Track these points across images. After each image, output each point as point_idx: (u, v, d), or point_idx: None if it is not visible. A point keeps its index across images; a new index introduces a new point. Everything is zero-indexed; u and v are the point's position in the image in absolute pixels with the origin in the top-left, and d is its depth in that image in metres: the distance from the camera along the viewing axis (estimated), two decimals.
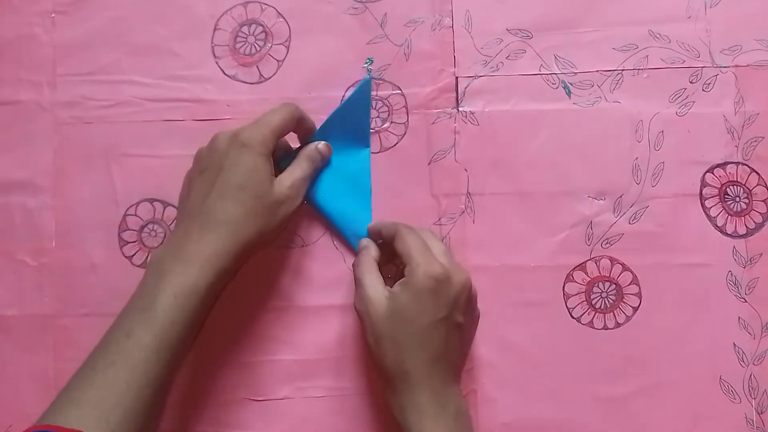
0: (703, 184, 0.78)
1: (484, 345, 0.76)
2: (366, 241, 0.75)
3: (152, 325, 0.64)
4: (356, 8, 0.80)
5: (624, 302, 0.77)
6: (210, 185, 0.68)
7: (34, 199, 0.78)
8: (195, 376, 0.73)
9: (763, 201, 0.77)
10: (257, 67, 0.80)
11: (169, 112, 0.79)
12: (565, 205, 0.78)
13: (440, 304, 0.67)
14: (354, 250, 0.77)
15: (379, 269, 0.72)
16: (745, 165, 0.78)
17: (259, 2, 0.80)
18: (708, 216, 0.77)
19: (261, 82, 0.80)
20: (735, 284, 0.76)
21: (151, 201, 0.78)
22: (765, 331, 0.76)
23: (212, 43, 0.80)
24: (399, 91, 0.79)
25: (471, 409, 0.75)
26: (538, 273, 0.77)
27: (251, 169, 0.68)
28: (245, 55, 0.80)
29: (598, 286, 0.77)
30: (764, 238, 0.77)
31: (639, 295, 0.77)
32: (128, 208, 0.78)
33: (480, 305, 0.74)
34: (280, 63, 0.80)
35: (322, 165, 0.76)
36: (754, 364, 0.76)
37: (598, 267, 0.77)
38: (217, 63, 0.80)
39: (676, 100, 0.78)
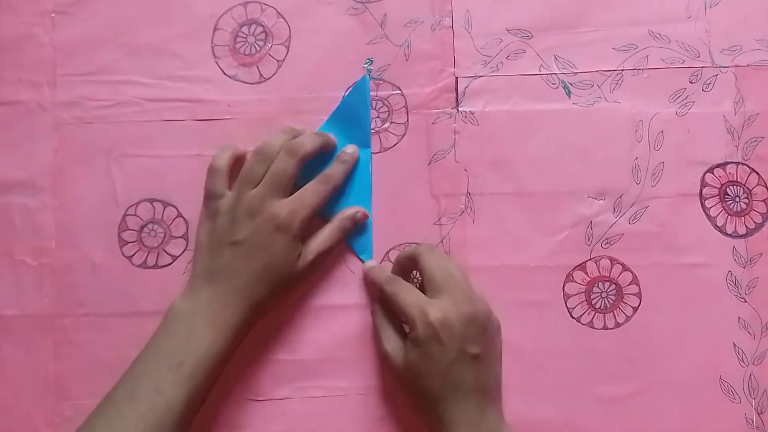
0: (703, 184, 0.78)
1: None
2: (374, 306, 0.76)
3: (183, 386, 0.68)
4: (356, 8, 0.80)
5: (624, 302, 0.77)
6: (241, 261, 0.72)
7: (34, 199, 0.78)
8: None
9: (763, 201, 0.77)
10: (257, 67, 0.80)
11: (169, 112, 0.79)
12: (565, 205, 0.78)
13: (448, 348, 0.67)
14: (353, 251, 0.77)
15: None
16: (745, 165, 0.78)
17: (259, 2, 0.80)
18: (708, 216, 0.77)
19: (261, 82, 0.80)
20: (735, 284, 0.76)
21: (151, 201, 0.78)
22: (765, 331, 0.76)
23: (212, 43, 0.80)
24: (399, 92, 0.79)
25: None
26: (538, 273, 0.77)
27: (283, 253, 0.72)
28: (245, 55, 0.80)
29: (598, 286, 0.77)
30: (764, 238, 0.77)
31: (639, 295, 0.77)
32: (128, 208, 0.78)
33: None
34: (280, 63, 0.80)
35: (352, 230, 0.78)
36: (754, 364, 0.76)
37: (598, 267, 0.77)
38: (217, 63, 0.80)
39: (676, 100, 0.78)
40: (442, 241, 0.77)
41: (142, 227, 0.78)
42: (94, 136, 0.79)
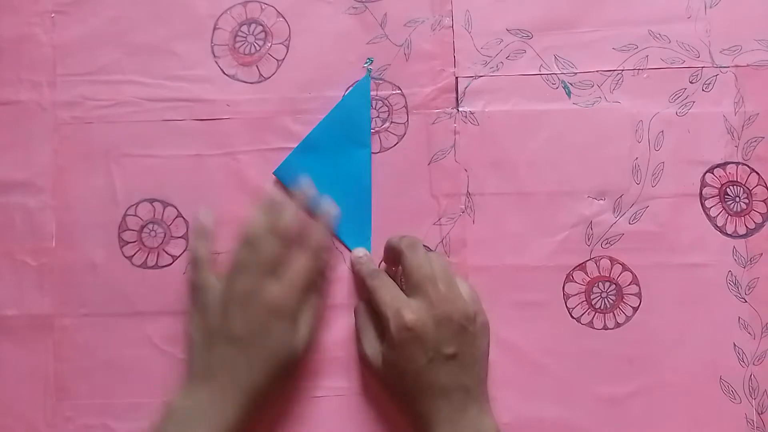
0: (703, 184, 0.78)
1: None
2: (358, 305, 0.77)
3: None
4: (356, 8, 0.80)
5: (624, 302, 0.77)
6: (240, 356, 0.70)
7: (34, 199, 0.78)
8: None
9: (763, 201, 0.77)
10: (257, 66, 0.80)
11: (168, 112, 0.79)
12: (565, 205, 0.78)
13: (423, 349, 0.68)
14: (350, 251, 0.77)
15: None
16: (745, 165, 0.78)
17: (258, 2, 0.80)
18: (708, 216, 0.77)
19: (261, 81, 0.80)
20: (735, 284, 0.76)
21: (151, 201, 0.78)
22: (765, 331, 0.76)
23: (212, 42, 0.80)
24: (399, 91, 0.79)
25: None
26: (538, 273, 0.77)
27: (283, 339, 0.71)
28: (245, 54, 0.80)
29: (598, 286, 0.77)
30: (764, 238, 0.77)
31: (639, 295, 0.77)
32: (128, 208, 0.78)
33: None
34: (279, 62, 0.80)
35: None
36: (754, 364, 0.76)
37: (598, 267, 0.77)
38: (216, 62, 0.80)
39: (676, 100, 0.78)
40: (442, 241, 0.77)
41: (143, 227, 0.78)
42: (94, 136, 0.79)
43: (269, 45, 0.80)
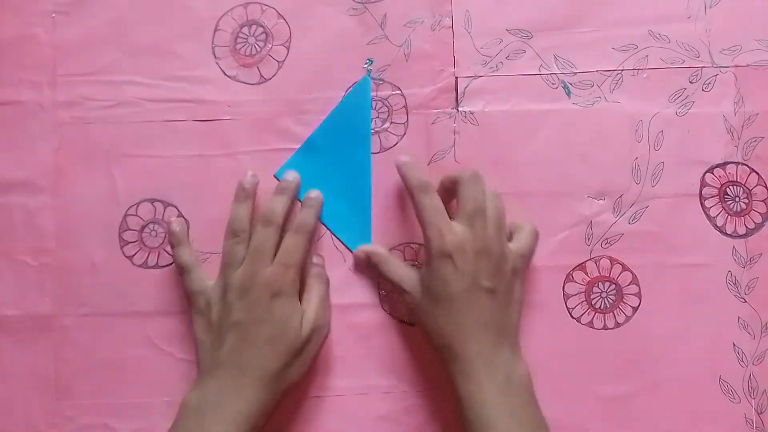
0: (703, 184, 0.78)
1: None
2: (370, 248, 0.77)
3: None
4: (356, 9, 0.80)
5: (624, 302, 0.77)
6: (246, 341, 0.70)
7: (34, 199, 0.78)
8: (195, 376, 0.73)
9: (763, 201, 0.77)
10: (258, 67, 0.80)
11: (169, 113, 0.79)
12: (565, 205, 0.78)
13: (460, 275, 0.68)
14: (351, 251, 0.77)
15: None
16: (745, 165, 0.78)
17: (259, 3, 0.80)
18: (708, 216, 0.77)
19: (261, 82, 0.80)
20: (735, 284, 0.76)
21: (152, 201, 0.78)
22: (765, 331, 0.76)
23: (213, 43, 0.80)
24: (399, 92, 0.79)
25: None
26: (538, 273, 0.77)
27: (285, 319, 0.71)
28: (246, 55, 0.80)
29: (598, 286, 0.77)
30: (764, 238, 0.77)
31: (639, 295, 0.77)
32: (129, 208, 0.78)
33: None
34: (280, 64, 0.80)
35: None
36: (753, 364, 0.76)
37: (598, 267, 0.77)
38: (217, 64, 0.80)
39: (675, 100, 0.78)
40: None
41: (143, 227, 0.78)
42: (95, 136, 0.79)
43: (270, 46, 0.80)
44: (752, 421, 0.75)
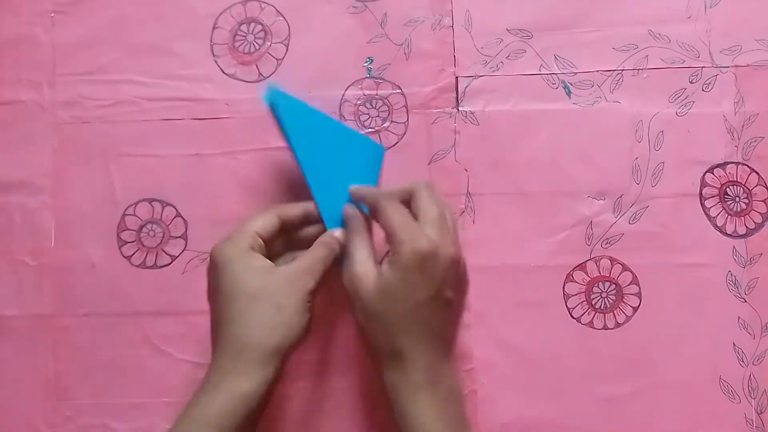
0: (703, 184, 0.78)
1: (484, 345, 0.76)
2: (352, 210, 0.71)
3: None
4: (356, 7, 0.80)
5: (624, 302, 0.77)
6: (223, 308, 0.66)
7: (33, 198, 0.78)
8: (194, 376, 0.73)
9: (763, 201, 0.78)
10: (256, 65, 0.80)
11: (168, 112, 0.79)
12: (565, 205, 0.78)
13: (428, 282, 0.65)
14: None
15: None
16: (745, 165, 0.78)
17: (258, 1, 0.80)
18: (708, 216, 0.77)
19: (260, 80, 0.80)
20: (735, 284, 0.77)
21: (150, 201, 0.78)
22: (765, 331, 0.76)
23: (211, 41, 0.80)
24: (399, 91, 0.79)
25: (471, 408, 0.75)
26: (538, 273, 0.77)
27: (241, 273, 0.65)
28: (244, 53, 0.80)
29: (598, 286, 0.77)
30: (764, 238, 0.77)
31: (639, 295, 0.77)
32: (127, 208, 0.78)
33: (480, 305, 0.75)
34: (279, 62, 0.80)
35: (339, 252, 0.70)
36: (753, 364, 0.76)
37: (598, 267, 0.77)
38: (216, 62, 0.80)
39: (676, 100, 0.78)
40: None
41: (141, 227, 0.78)
42: (93, 135, 0.79)
43: (269, 44, 0.80)
44: (752, 421, 0.75)
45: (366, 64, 0.79)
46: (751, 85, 0.78)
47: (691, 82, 0.78)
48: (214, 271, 0.66)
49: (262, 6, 0.80)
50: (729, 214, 0.77)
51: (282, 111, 0.72)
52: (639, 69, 0.79)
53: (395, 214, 0.67)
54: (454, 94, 0.79)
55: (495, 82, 0.79)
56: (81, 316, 0.77)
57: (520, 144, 0.78)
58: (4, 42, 0.80)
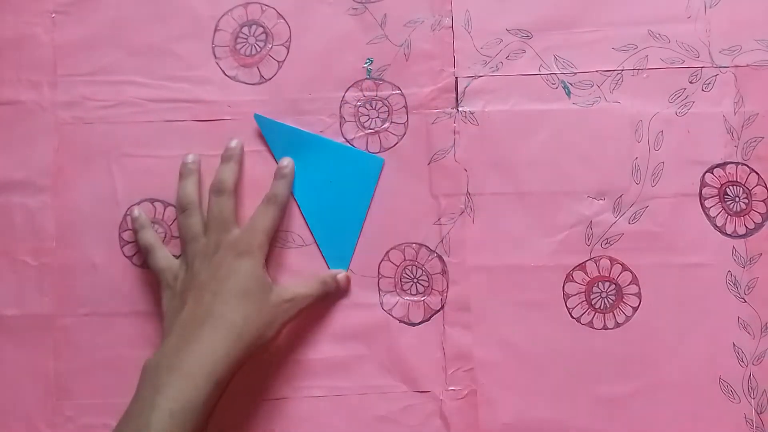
0: (703, 184, 0.78)
1: (484, 345, 0.76)
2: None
3: None
4: (356, 9, 0.80)
5: (624, 302, 0.77)
6: (210, 293, 0.70)
7: (34, 199, 0.78)
8: None
9: (763, 201, 0.77)
10: (258, 67, 0.80)
11: (169, 113, 0.79)
12: (565, 205, 0.78)
13: None
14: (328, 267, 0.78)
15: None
16: (745, 165, 0.78)
17: (259, 3, 0.81)
18: (708, 216, 0.77)
19: (261, 82, 0.80)
20: (734, 284, 0.76)
21: (152, 201, 0.78)
22: (764, 331, 0.76)
23: (213, 43, 0.80)
24: (399, 91, 0.79)
25: (471, 409, 0.75)
26: (538, 273, 0.77)
27: (251, 275, 0.71)
28: (246, 55, 0.80)
29: (597, 286, 0.77)
30: (764, 238, 0.77)
31: (639, 295, 0.77)
32: (129, 208, 0.78)
33: (480, 305, 0.76)
34: (280, 64, 0.80)
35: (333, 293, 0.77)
36: (753, 364, 0.76)
37: (598, 267, 0.77)
38: (217, 64, 0.80)
39: (675, 100, 0.78)
40: (442, 240, 0.77)
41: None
42: (95, 136, 0.79)
43: (270, 46, 0.80)
44: (752, 421, 0.75)
45: (366, 65, 0.79)
46: (751, 85, 0.78)
47: (690, 82, 0.78)
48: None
49: (263, 8, 0.81)
50: (729, 214, 0.77)
51: (268, 139, 0.75)
52: (639, 69, 0.79)
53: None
54: (454, 95, 0.79)
55: (495, 82, 0.79)
56: (82, 315, 0.77)
57: (519, 144, 0.78)
58: (5, 42, 0.80)
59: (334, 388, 0.76)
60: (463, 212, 0.78)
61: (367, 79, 0.79)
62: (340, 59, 0.80)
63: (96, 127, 0.79)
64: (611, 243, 0.77)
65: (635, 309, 0.77)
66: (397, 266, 0.77)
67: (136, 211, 0.77)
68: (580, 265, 0.77)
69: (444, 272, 0.77)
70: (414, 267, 0.77)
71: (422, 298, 0.77)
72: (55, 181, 0.78)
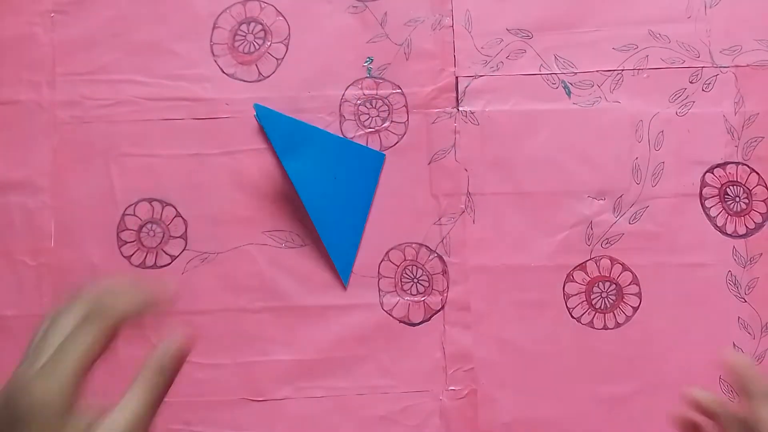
0: (703, 184, 0.78)
1: (484, 345, 0.76)
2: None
3: None
4: (356, 7, 0.80)
5: (624, 302, 0.77)
6: None
7: (33, 198, 0.78)
8: (194, 376, 0.73)
9: (763, 201, 0.78)
10: (256, 65, 0.80)
11: (168, 111, 0.79)
12: (565, 205, 0.78)
13: None
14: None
15: None
16: (745, 165, 0.78)
17: (258, 0, 0.80)
18: (708, 216, 0.77)
19: (260, 80, 0.80)
20: (735, 284, 0.77)
21: (150, 201, 0.78)
22: (765, 331, 0.76)
23: (211, 41, 0.80)
24: (399, 91, 0.79)
25: (470, 408, 0.75)
26: (538, 273, 0.77)
27: None
28: (244, 53, 0.80)
29: (598, 286, 0.77)
30: (764, 238, 0.77)
31: (639, 295, 0.77)
32: (127, 208, 0.78)
33: (480, 305, 0.76)
34: (279, 61, 0.80)
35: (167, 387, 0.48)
36: None
37: (598, 267, 0.77)
38: (216, 61, 0.80)
39: (676, 100, 0.78)
40: (442, 240, 0.77)
41: (141, 227, 0.78)
42: (93, 135, 0.79)
43: (269, 44, 0.80)
44: None
45: (366, 64, 0.79)
46: (751, 85, 0.78)
47: (691, 82, 0.78)
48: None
49: (262, 6, 0.80)
50: (729, 214, 0.77)
51: (269, 131, 0.75)
52: (639, 69, 0.79)
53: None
54: (454, 94, 0.79)
55: (495, 82, 0.79)
56: None
57: (520, 144, 0.78)
58: (4, 42, 0.80)
59: (334, 388, 0.76)
60: (463, 212, 0.78)
61: (367, 77, 0.79)
62: (340, 57, 0.80)
63: (95, 126, 0.79)
64: (611, 243, 0.77)
65: (635, 309, 0.77)
66: (398, 266, 0.77)
67: None
68: (580, 265, 0.77)
69: (444, 272, 0.77)
70: (414, 267, 0.77)
71: (422, 298, 0.77)
72: (53, 180, 0.78)
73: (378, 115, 0.79)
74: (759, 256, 0.77)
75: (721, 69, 0.79)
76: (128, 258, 0.78)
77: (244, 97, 0.79)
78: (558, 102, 0.79)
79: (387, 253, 0.77)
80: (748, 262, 0.77)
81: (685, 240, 0.77)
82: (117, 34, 0.80)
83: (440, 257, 0.77)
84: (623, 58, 0.79)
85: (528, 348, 0.76)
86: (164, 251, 0.78)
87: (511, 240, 0.77)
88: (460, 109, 0.79)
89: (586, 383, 0.76)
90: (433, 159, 0.78)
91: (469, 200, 0.78)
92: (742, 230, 0.77)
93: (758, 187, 0.78)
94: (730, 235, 0.77)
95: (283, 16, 0.80)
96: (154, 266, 0.78)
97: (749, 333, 0.76)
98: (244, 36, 0.80)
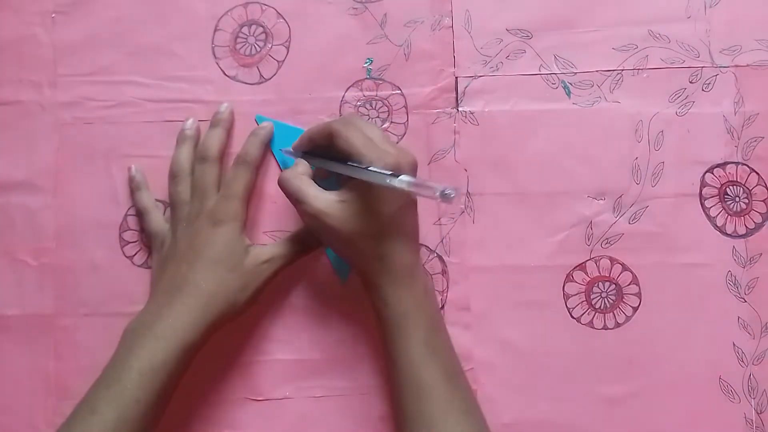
0: (703, 184, 0.78)
1: (484, 345, 0.76)
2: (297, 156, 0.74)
3: (117, 402, 0.66)
4: (356, 8, 0.80)
5: (624, 302, 0.77)
6: (186, 263, 0.71)
7: (34, 199, 0.78)
8: (194, 376, 0.73)
9: (763, 201, 0.77)
10: (257, 67, 0.80)
11: (169, 113, 0.79)
12: (565, 205, 0.78)
13: (399, 191, 0.64)
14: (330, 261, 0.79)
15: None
16: (745, 165, 0.78)
17: (259, 3, 0.81)
18: (708, 216, 0.77)
19: (261, 82, 0.80)
20: (735, 284, 0.76)
21: None
22: (764, 331, 0.76)
23: (213, 43, 0.80)
24: (399, 91, 0.79)
25: None
26: (538, 273, 0.77)
27: (227, 244, 0.72)
28: (245, 55, 0.80)
29: (598, 286, 0.77)
30: (764, 238, 0.77)
31: (639, 295, 0.77)
32: (129, 208, 0.78)
33: (480, 305, 0.76)
34: (280, 63, 0.80)
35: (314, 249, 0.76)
36: (753, 364, 0.76)
37: (598, 267, 0.77)
38: (217, 64, 0.80)
39: (675, 100, 0.78)
40: (442, 240, 0.77)
41: (143, 227, 0.78)
42: (95, 136, 0.79)
43: (270, 46, 0.80)
44: (752, 421, 0.75)
45: (366, 65, 0.79)
46: (751, 85, 0.78)
47: (691, 82, 0.78)
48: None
49: (263, 8, 0.81)
50: (729, 214, 0.77)
51: (272, 142, 0.76)
52: (639, 69, 0.79)
53: (355, 136, 0.68)
54: (454, 95, 0.79)
55: (495, 82, 0.79)
56: (82, 316, 0.77)
57: (520, 144, 0.78)
58: (5, 42, 0.80)
59: (334, 388, 0.76)
60: (463, 212, 0.78)
61: (367, 78, 0.79)
62: (340, 59, 0.80)
63: (96, 127, 0.79)
64: (611, 243, 0.77)
65: (635, 309, 0.77)
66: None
67: (133, 170, 0.78)
68: (580, 265, 0.77)
69: (444, 272, 0.77)
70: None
71: None
72: (55, 181, 0.78)
73: (378, 116, 0.79)
74: (759, 256, 0.77)
75: (721, 69, 0.79)
76: (131, 258, 0.78)
77: (245, 99, 0.80)
78: (558, 102, 0.79)
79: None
80: (748, 262, 0.77)
81: (684, 240, 0.77)
82: (118, 36, 0.80)
83: (440, 257, 0.77)
84: (623, 58, 0.79)
85: (528, 348, 0.76)
86: None
87: (511, 240, 0.77)
88: (460, 109, 0.79)
89: (586, 383, 0.76)
90: (433, 159, 0.78)
91: (469, 200, 0.78)
92: (742, 230, 0.77)
93: (758, 187, 0.78)
94: (729, 235, 0.77)
95: (283, 19, 0.80)
96: None
97: (749, 333, 0.76)
98: (246, 38, 0.80)
